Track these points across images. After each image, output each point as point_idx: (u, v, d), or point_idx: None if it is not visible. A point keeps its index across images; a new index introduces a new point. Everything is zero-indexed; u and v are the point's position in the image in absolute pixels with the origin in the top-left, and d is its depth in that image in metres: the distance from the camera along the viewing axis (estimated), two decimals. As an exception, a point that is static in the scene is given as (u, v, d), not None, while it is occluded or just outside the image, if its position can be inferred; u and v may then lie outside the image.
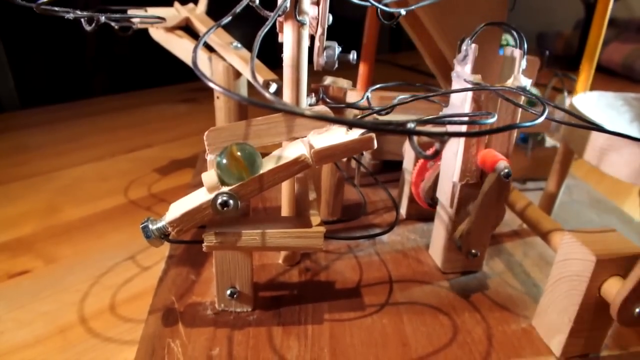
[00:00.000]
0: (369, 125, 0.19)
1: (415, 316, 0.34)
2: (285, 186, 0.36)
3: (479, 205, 0.35)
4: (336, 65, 0.34)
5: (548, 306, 0.32)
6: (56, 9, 0.37)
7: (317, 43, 0.33)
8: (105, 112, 0.85)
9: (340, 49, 0.34)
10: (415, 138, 0.20)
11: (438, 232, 0.39)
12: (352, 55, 0.35)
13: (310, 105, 0.37)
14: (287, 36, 0.30)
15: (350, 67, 0.49)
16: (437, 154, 0.20)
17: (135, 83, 0.99)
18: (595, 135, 0.37)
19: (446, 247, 0.38)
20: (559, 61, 1.30)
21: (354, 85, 0.40)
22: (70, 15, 0.38)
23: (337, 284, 0.37)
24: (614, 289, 0.28)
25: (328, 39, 0.33)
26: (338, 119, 0.23)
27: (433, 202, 0.41)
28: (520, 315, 0.35)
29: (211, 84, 0.20)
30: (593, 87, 0.49)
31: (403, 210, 0.48)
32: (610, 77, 1.18)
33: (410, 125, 0.19)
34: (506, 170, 0.32)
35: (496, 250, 0.43)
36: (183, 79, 1.01)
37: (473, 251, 0.37)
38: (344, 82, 0.41)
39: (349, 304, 0.35)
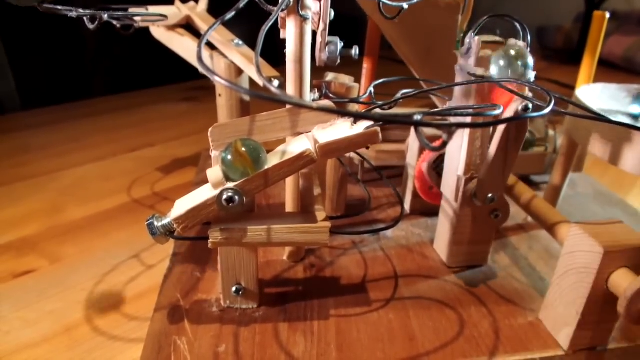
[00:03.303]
0: (376, 118, 0.19)
1: (422, 311, 0.34)
2: (289, 182, 0.35)
3: (497, 146, 0.32)
4: (338, 61, 0.34)
5: (555, 299, 0.32)
6: (59, 7, 0.37)
7: (319, 38, 0.33)
8: (106, 112, 0.86)
9: (342, 44, 0.34)
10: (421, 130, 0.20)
11: (443, 227, 0.39)
12: (355, 51, 0.35)
13: (314, 100, 0.37)
14: (289, 31, 0.30)
15: (352, 64, 0.49)
16: (444, 146, 0.20)
17: (135, 83, 0.99)
18: (600, 127, 0.37)
19: (451, 241, 0.38)
20: (559, 55, 1.30)
21: (357, 81, 0.40)
22: (73, 14, 0.38)
23: (343, 280, 0.37)
24: (622, 281, 0.27)
25: (330, 35, 0.33)
26: (345, 111, 0.23)
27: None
28: (526, 308, 0.35)
29: (217, 78, 0.20)
30: (594, 80, 0.49)
31: (407, 205, 0.48)
32: (611, 70, 1.18)
33: (417, 117, 0.19)
34: (524, 104, 0.29)
35: (501, 244, 0.43)
36: (184, 78, 1.00)
37: (490, 195, 0.34)
38: (345, 79, 0.40)
39: (354, 299, 0.35)
